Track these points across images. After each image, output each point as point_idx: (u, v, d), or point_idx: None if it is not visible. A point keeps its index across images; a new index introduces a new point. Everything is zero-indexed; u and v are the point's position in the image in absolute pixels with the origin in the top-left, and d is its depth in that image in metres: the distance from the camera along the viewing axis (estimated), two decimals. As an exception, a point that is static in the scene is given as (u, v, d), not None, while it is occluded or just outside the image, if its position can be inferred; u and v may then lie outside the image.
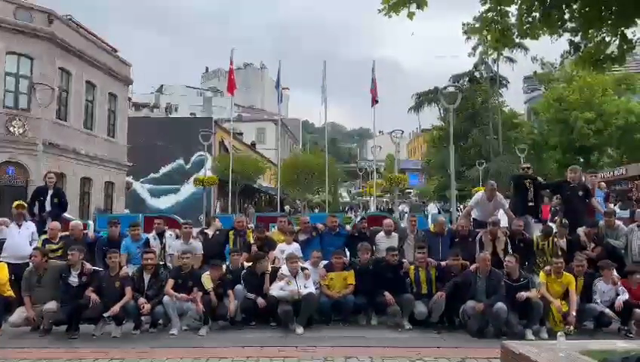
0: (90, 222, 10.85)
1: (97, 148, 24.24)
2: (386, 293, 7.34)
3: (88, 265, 7.28)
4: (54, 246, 8.04)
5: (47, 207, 9.48)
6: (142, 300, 6.93)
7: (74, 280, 7.09)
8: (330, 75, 50.95)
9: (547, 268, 7.36)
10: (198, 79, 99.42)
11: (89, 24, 25.90)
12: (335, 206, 47.99)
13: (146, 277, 7.26)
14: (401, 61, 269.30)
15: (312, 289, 7.34)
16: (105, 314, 6.84)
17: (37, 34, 20.21)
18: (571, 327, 6.74)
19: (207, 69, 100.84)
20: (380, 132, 63.31)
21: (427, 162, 52.59)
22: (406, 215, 18.74)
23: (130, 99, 40.18)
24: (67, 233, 8.49)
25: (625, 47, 5.31)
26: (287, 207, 40.24)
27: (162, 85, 79.26)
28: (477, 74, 45.13)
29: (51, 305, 6.92)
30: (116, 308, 6.76)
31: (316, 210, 40.23)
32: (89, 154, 23.38)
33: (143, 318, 7.17)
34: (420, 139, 75.45)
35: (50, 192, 9.63)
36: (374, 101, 23.87)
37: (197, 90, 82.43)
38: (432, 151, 48.14)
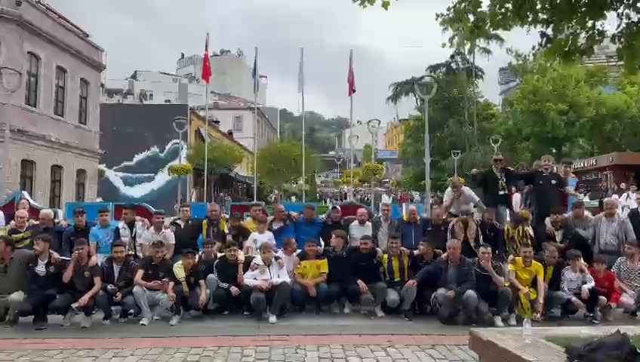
0: (60, 211, 10.60)
1: (68, 134, 23.65)
2: (360, 281, 7.39)
3: (56, 255, 7.12)
4: (20, 236, 7.85)
5: None
6: (111, 286, 6.83)
7: (41, 269, 6.94)
8: (309, 63, 50.81)
9: (510, 257, 7.54)
10: (173, 66, 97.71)
11: (61, 8, 25.11)
12: (313, 195, 48.04)
13: (116, 267, 7.15)
14: (382, 50, 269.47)
15: (285, 278, 7.33)
16: (73, 305, 6.71)
17: (3, 16, 19.50)
18: (539, 314, 6.90)
19: (182, 55, 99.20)
20: (358, 121, 63.52)
21: (403, 152, 52.92)
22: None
23: (102, 85, 39.27)
24: (36, 222, 8.29)
25: (593, 39, 5.39)
26: (273, 196, 40.08)
27: (136, 71, 77.65)
28: (453, 65, 45.39)
29: (17, 295, 6.78)
30: (85, 298, 6.64)
31: (293, 199, 40.20)
32: (59, 141, 22.79)
33: (113, 308, 7.08)
34: (397, 129, 75.86)
35: None
36: (351, 90, 23.83)
37: (172, 77, 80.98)
38: (409, 141, 48.43)
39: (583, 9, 5.26)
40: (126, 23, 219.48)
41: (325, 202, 37.84)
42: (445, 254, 7.35)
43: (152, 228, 8.21)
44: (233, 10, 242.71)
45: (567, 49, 5.46)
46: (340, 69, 33.70)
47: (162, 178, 33.81)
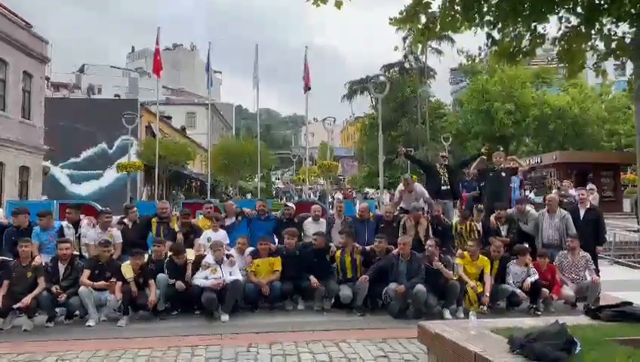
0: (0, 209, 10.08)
1: (10, 130, 22.50)
2: (312, 278, 7.41)
3: (-5, 254, 6.79)
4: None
5: None
6: (56, 288, 6.56)
7: (-21, 271, 6.58)
8: (267, 60, 50.57)
9: (459, 251, 7.76)
10: (123, 59, 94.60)
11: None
12: (268, 192, 47.78)
13: (61, 267, 6.88)
14: (340, 49, 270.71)
15: (237, 276, 7.26)
16: (14, 306, 6.41)
17: (-63, 3, 18.35)
18: (485, 307, 7.14)
19: (133, 48, 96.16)
20: (314, 119, 63.67)
21: (359, 150, 53.46)
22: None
23: (48, 78, 37.61)
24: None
25: (536, 41, 5.61)
26: (230, 192, 39.56)
27: (84, 65, 74.53)
28: (406, 64, 46.22)
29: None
30: (27, 299, 6.36)
31: (249, 196, 39.89)
32: (1, 137, 21.67)
33: (57, 310, 6.81)
34: (353, 126, 76.37)
35: None
36: (307, 88, 23.87)
37: (122, 71, 78.23)
38: (364, 140, 48.98)
39: (527, 12, 5.46)
40: (74, 14, 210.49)
41: (280, 199, 37.75)
42: (396, 250, 7.48)
43: (99, 227, 7.93)
44: (194, 6, 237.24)
45: (512, 50, 5.67)
46: (299, 67, 33.62)
47: (111, 175, 32.70)
